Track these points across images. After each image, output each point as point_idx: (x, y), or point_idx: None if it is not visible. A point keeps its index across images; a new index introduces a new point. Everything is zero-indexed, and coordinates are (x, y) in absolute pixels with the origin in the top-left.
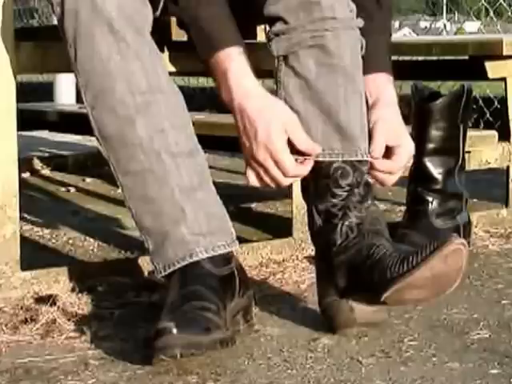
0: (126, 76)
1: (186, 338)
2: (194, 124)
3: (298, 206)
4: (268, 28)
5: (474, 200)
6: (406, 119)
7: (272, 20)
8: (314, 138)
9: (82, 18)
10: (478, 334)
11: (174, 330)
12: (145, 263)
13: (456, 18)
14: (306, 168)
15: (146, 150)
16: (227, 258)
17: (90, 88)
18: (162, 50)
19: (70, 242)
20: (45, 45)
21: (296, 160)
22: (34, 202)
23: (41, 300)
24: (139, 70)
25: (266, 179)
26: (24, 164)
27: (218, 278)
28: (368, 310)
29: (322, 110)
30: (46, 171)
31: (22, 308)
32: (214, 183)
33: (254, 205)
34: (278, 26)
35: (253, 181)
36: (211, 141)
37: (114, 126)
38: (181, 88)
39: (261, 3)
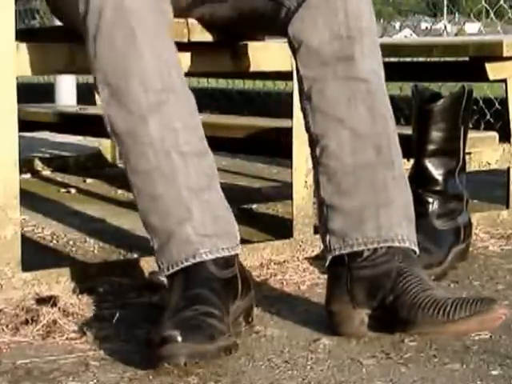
0: (142, 75)
1: (191, 346)
2: None
3: (298, 207)
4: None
5: (475, 201)
6: (407, 120)
7: (295, 43)
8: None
9: (106, 16)
10: (479, 335)
11: (179, 339)
12: (145, 264)
13: (456, 19)
14: None
15: (156, 148)
16: (230, 261)
17: (106, 85)
18: None
19: (71, 242)
20: (46, 46)
21: None
22: (35, 202)
23: (41, 301)
24: (155, 69)
25: None
26: (25, 165)
27: (221, 281)
28: (378, 327)
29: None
30: (47, 172)
31: (22, 309)
32: None
33: (254, 206)
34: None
35: None
36: (212, 142)
37: (127, 124)
38: None
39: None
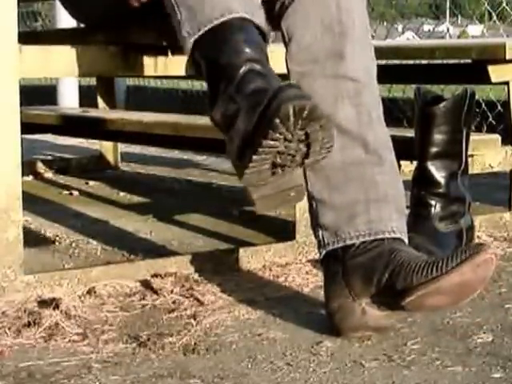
0: None
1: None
2: (197, 128)
3: (301, 209)
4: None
5: (477, 203)
6: (410, 122)
7: (287, 36)
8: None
9: None
10: (481, 337)
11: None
12: (148, 266)
13: (459, 22)
14: None
15: None
16: None
17: None
18: (165, 54)
19: (73, 245)
20: (48, 48)
21: None
22: (37, 205)
23: (44, 303)
24: None
25: None
26: (27, 167)
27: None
28: (379, 314)
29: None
30: (49, 174)
31: (25, 311)
32: (217, 186)
33: None
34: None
35: None
36: (214, 144)
37: None
38: (184, 91)
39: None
